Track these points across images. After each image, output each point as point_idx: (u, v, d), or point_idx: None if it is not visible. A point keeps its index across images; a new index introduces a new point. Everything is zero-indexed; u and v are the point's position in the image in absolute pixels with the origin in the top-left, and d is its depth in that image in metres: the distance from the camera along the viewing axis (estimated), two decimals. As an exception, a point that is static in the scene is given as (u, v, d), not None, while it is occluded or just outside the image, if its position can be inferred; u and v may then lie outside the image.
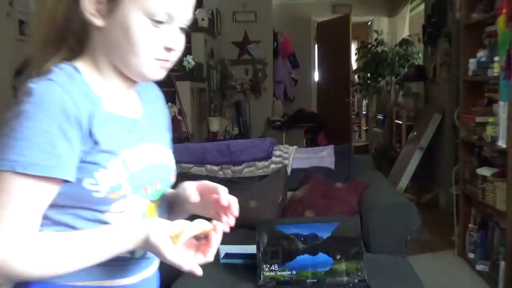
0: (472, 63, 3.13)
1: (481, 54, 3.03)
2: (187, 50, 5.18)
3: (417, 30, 6.06)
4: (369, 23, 8.14)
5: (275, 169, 2.79)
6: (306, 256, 1.69)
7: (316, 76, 7.89)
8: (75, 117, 0.74)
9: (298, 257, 1.69)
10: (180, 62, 4.73)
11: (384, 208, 2.32)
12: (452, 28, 4.43)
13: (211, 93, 5.76)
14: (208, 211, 0.90)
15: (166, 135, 0.95)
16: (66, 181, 0.75)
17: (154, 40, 0.79)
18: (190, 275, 1.75)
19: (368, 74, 6.47)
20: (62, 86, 0.75)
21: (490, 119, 2.84)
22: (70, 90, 0.75)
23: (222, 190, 0.85)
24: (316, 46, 7.81)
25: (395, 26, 7.27)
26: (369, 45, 6.59)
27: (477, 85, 3.19)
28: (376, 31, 6.96)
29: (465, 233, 3.29)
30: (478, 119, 3.01)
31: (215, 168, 2.86)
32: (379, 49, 6.42)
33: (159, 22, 0.78)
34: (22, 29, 4.07)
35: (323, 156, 2.90)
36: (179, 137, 4.36)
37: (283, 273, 1.67)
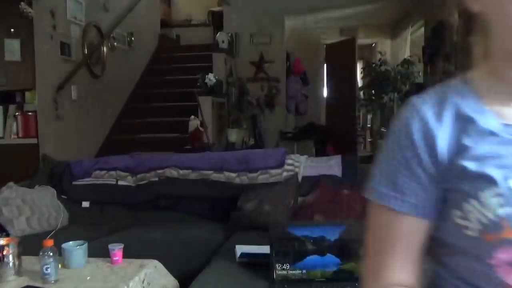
0: (468, 81, 3.08)
1: (477, 73, 2.98)
2: (209, 69, 5.21)
3: (417, 51, 6.01)
4: (373, 45, 8.10)
5: (287, 177, 2.77)
6: (315, 256, 1.66)
7: (324, 93, 7.86)
8: (425, 144, 0.57)
9: (308, 258, 1.66)
10: (202, 79, 4.75)
11: (387, 213, 2.28)
12: (450, 49, 4.38)
13: (230, 107, 5.77)
14: None
15: None
16: (419, 218, 0.58)
17: None
18: (210, 272, 1.73)
19: (373, 91, 6.43)
20: (419, 107, 0.59)
21: (486, 133, 2.78)
22: (427, 112, 0.58)
23: None
24: (325, 65, 7.80)
25: (397, 47, 7.22)
26: (373, 65, 6.56)
27: (474, 101, 3.14)
28: (380, 52, 6.93)
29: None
30: (475, 132, 2.95)
31: (233, 175, 2.85)
32: (383, 68, 6.39)
33: None
34: (63, 49, 4.15)
35: (331, 165, 2.87)
36: (200, 147, 4.37)
37: (294, 272, 1.64)
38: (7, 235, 2.35)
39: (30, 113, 4.07)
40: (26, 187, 2.80)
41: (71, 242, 1.77)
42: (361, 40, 7.35)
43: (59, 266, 1.63)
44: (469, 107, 0.59)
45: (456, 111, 0.58)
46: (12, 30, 4.19)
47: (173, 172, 2.90)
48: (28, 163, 3.50)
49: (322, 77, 7.77)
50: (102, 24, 4.89)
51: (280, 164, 2.85)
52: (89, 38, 4.60)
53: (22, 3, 3.86)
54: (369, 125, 8.95)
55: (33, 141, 4.00)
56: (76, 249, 1.74)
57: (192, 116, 4.54)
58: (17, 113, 4.12)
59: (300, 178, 2.77)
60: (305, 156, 3.01)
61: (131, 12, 5.61)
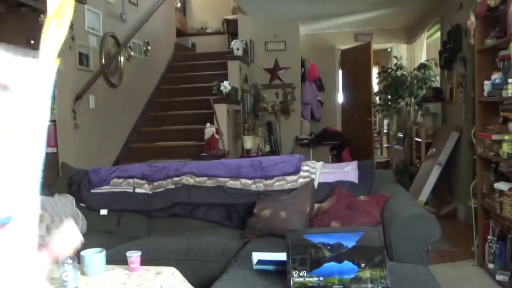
0: (487, 84, 3.04)
1: (496, 76, 2.93)
2: (224, 76, 5.25)
3: (433, 55, 5.95)
4: (389, 49, 8.03)
5: (303, 183, 2.76)
6: (332, 263, 1.65)
7: (340, 98, 7.83)
8: None
9: (325, 265, 1.65)
10: (217, 87, 4.78)
11: (405, 219, 2.25)
12: (467, 53, 4.33)
13: (245, 114, 5.79)
14: None
15: None
16: None
17: None
18: (227, 279, 1.73)
19: (389, 96, 6.38)
20: None
21: (506, 137, 2.74)
22: None
23: None
24: (340, 71, 7.77)
25: (413, 52, 7.15)
26: (389, 70, 6.50)
27: (492, 105, 3.09)
28: (395, 57, 6.86)
29: (484, 244, 3.15)
30: (494, 136, 2.91)
31: (249, 182, 2.86)
32: (399, 73, 6.33)
33: None
34: (81, 60, 4.23)
35: (348, 171, 2.85)
36: (216, 154, 4.38)
37: (311, 279, 1.63)
38: (28, 242, 2.39)
39: (49, 123, 4.15)
40: (45, 195, 2.85)
41: (89, 250, 1.79)
42: (377, 45, 7.31)
43: (78, 273, 1.65)
44: None
45: None
46: (32, 41, 4.29)
47: (189, 180, 2.91)
48: (47, 172, 3.56)
49: (337, 82, 7.74)
50: (119, 34, 4.97)
51: (296, 171, 2.84)
52: (106, 48, 4.68)
53: (42, 15, 3.95)
54: (385, 130, 8.87)
55: (53, 150, 4.07)
56: (94, 257, 1.76)
57: (208, 124, 4.56)
58: (37, 123, 4.20)
59: (316, 184, 2.76)
60: (321, 162, 3.00)
61: (147, 22, 5.70)
